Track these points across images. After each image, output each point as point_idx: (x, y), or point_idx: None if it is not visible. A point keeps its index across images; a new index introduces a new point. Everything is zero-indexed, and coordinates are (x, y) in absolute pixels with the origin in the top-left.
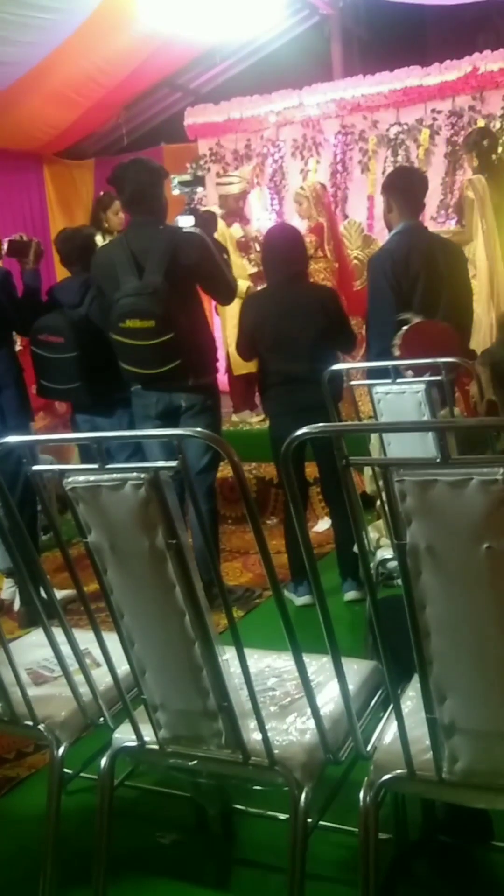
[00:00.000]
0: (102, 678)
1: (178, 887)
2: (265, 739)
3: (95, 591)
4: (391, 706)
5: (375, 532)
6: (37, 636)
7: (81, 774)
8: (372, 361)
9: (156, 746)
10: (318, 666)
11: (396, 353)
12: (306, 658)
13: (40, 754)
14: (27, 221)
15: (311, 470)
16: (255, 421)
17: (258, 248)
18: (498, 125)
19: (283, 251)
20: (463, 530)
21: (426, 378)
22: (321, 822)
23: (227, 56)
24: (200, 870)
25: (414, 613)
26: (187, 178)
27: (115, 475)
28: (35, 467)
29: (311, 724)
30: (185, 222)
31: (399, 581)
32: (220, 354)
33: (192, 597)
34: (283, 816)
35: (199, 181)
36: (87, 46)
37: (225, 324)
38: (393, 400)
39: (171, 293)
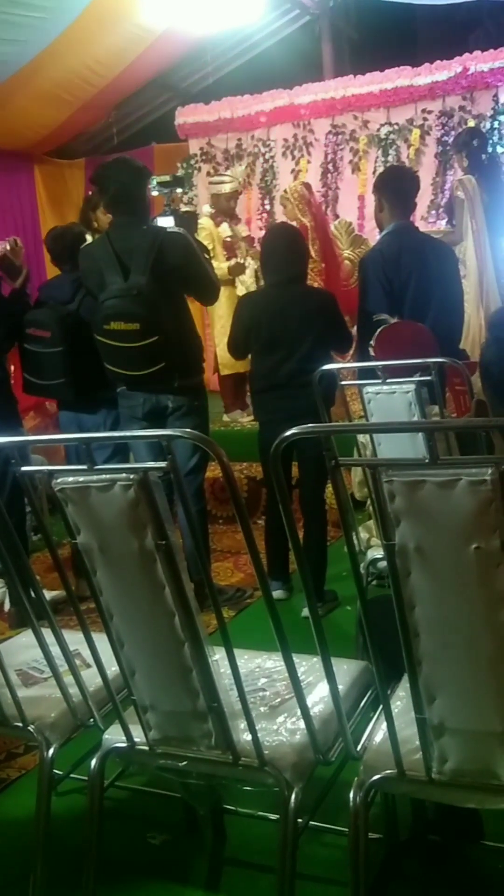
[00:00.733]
0: (92, 679)
1: (168, 888)
2: (255, 740)
3: (86, 592)
4: (381, 706)
5: (366, 532)
6: (26, 637)
7: (71, 775)
8: (362, 362)
9: (146, 747)
10: (308, 666)
11: (372, 353)
12: (296, 658)
13: (30, 755)
14: (18, 221)
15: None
16: (245, 421)
17: (246, 248)
18: (488, 125)
19: (282, 252)
20: (452, 530)
21: (416, 378)
22: (311, 823)
23: (218, 55)
24: (191, 870)
25: (403, 613)
26: (166, 178)
27: (103, 476)
28: (24, 468)
29: (301, 724)
30: (165, 223)
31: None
32: (208, 354)
33: (181, 597)
34: (273, 817)
35: (178, 182)
36: (77, 46)
37: (213, 323)
38: (383, 400)
39: (156, 294)
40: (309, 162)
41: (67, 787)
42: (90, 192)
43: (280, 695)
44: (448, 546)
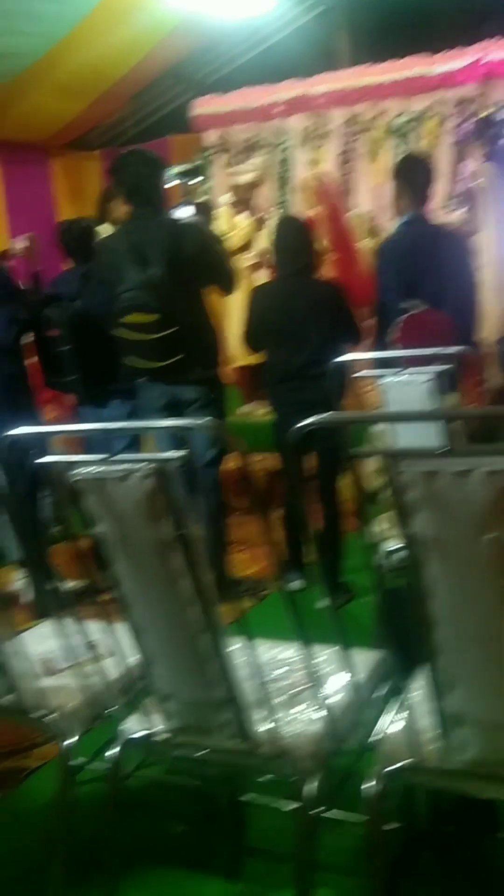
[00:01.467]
0: (112, 669)
1: (187, 876)
2: (273, 730)
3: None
4: (399, 696)
5: (381, 524)
6: (46, 627)
7: (91, 765)
8: (379, 352)
9: (165, 737)
10: (325, 656)
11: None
12: (314, 648)
13: (50, 745)
14: (35, 214)
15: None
16: (261, 413)
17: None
18: None
19: (291, 244)
20: (468, 520)
21: (433, 368)
22: (329, 812)
23: (233, 46)
24: (209, 859)
25: (420, 603)
26: (184, 168)
27: (121, 466)
28: (42, 459)
29: (319, 714)
30: (183, 213)
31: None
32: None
33: (199, 588)
34: (291, 806)
35: (195, 172)
36: (92, 37)
37: (227, 315)
38: (399, 390)
39: (173, 285)
40: (325, 151)
41: (87, 777)
42: (107, 185)
43: (298, 685)
44: (464, 536)
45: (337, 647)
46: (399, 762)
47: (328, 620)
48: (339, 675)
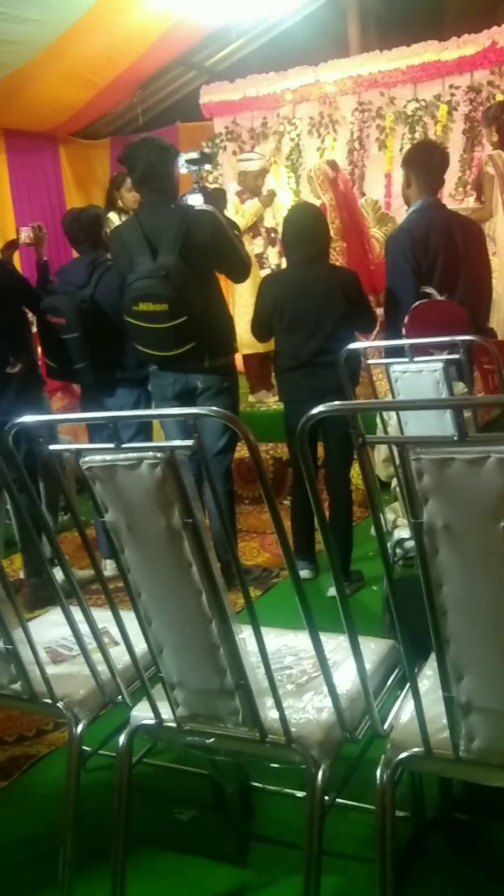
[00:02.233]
0: (120, 657)
1: (195, 863)
2: (282, 717)
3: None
4: (408, 685)
5: (392, 513)
6: (55, 615)
7: (100, 752)
8: (390, 340)
9: (173, 724)
10: (335, 644)
11: (403, 331)
12: (323, 637)
13: (59, 732)
14: (44, 202)
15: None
16: (271, 401)
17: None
18: None
19: (304, 230)
20: (480, 508)
21: (444, 356)
22: (338, 800)
23: (242, 33)
24: (218, 846)
25: (431, 592)
26: (194, 155)
27: (130, 454)
28: (51, 447)
29: (328, 702)
30: (194, 201)
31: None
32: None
33: (208, 575)
34: (300, 794)
35: (206, 158)
36: (101, 25)
37: (234, 302)
38: (410, 378)
39: (185, 274)
40: (335, 140)
41: (96, 764)
42: (116, 173)
43: (307, 673)
44: (476, 524)
45: (346, 636)
46: (408, 750)
47: (337, 609)
48: (348, 664)
